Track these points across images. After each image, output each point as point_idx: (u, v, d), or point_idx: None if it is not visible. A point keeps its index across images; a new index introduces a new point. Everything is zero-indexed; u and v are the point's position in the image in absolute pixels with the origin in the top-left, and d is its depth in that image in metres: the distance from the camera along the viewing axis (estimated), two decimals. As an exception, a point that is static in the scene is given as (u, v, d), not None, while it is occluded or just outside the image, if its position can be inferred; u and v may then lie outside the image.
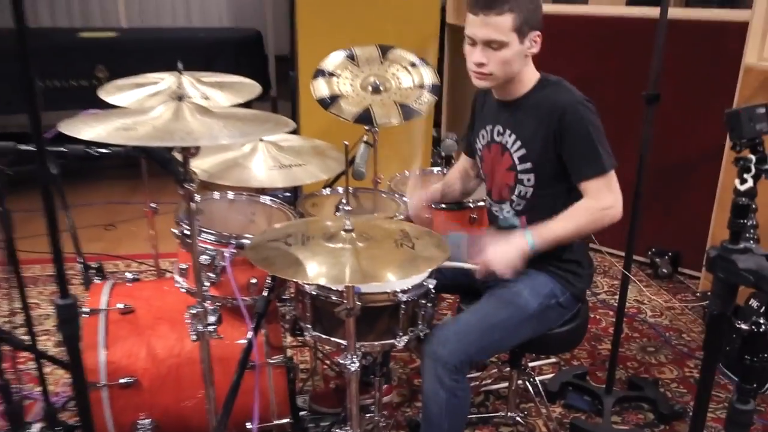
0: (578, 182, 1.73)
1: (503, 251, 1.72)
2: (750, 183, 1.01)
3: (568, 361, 2.67)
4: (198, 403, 1.96)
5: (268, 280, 1.83)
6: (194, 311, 1.61)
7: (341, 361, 1.58)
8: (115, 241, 3.83)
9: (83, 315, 1.98)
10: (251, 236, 1.85)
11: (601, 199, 1.70)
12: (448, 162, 2.99)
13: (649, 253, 3.36)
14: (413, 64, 2.70)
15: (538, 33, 1.75)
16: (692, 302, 3.14)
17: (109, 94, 2.08)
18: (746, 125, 1.02)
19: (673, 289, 3.27)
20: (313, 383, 2.50)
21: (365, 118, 2.43)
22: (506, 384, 2.43)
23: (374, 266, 1.38)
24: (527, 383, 2.16)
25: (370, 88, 2.58)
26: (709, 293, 2.80)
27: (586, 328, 1.95)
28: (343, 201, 1.73)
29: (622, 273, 2.32)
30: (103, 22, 5.49)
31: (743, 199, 1.00)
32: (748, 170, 1.01)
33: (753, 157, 1.01)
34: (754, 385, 1.07)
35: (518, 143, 1.81)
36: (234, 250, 1.80)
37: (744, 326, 0.99)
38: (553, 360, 2.66)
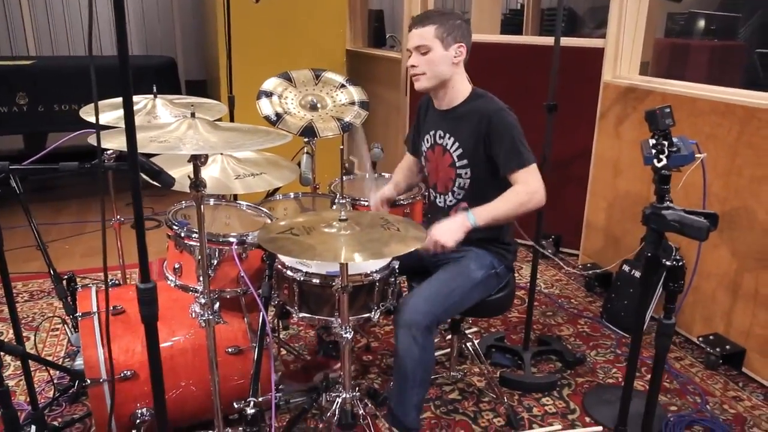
0: (507, 174, 1.98)
1: (448, 226, 1.92)
2: (665, 161, 1.28)
3: (486, 329, 2.94)
4: (190, 390, 2.01)
5: (267, 270, 1.92)
6: (202, 301, 1.70)
7: (337, 331, 1.71)
8: (53, 259, 3.68)
9: (78, 318, 1.98)
10: (238, 234, 1.95)
11: (528, 184, 1.95)
12: (374, 168, 3.19)
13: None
14: (343, 85, 2.88)
15: (462, 44, 2.01)
16: (574, 275, 3.54)
17: (88, 114, 2.08)
18: (660, 120, 1.29)
19: (557, 265, 3.66)
20: (275, 368, 2.59)
21: (309, 131, 2.58)
22: (442, 352, 2.68)
23: (376, 245, 1.54)
24: (466, 345, 2.39)
25: (309, 106, 2.74)
26: (589, 265, 3.17)
27: (514, 293, 2.21)
28: (338, 196, 1.85)
29: (533, 252, 2.62)
30: (13, 51, 5.18)
31: (664, 171, 1.27)
32: (663, 152, 1.28)
33: (665, 142, 1.29)
34: (674, 305, 1.34)
35: (456, 144, 2.05)
36: (236, 246, 1.89)
37: (668, 262, 1.25)
38: (475, 329, 2.92)
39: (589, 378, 2.55)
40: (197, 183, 1.58)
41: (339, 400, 1.74)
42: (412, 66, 2.01)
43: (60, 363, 2.46)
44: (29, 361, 2.04)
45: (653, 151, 1.29)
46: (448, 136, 2.08)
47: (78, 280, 2.53)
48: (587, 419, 2.29)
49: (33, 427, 1.94)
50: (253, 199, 2.58)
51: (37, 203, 4.60)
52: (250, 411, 1.55)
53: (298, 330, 2.91)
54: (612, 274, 3.18)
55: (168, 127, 1.53)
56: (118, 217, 2.52)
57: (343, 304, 1.69)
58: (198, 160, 1.56)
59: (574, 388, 2.48)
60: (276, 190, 2.84)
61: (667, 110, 1.29)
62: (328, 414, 1.81)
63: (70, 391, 2.31)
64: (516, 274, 3.46)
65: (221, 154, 2.20)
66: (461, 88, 2.06)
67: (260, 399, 2.07)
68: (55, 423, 2.16)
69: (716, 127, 2.60)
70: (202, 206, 1.61)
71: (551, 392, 2.44)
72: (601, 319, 3.02)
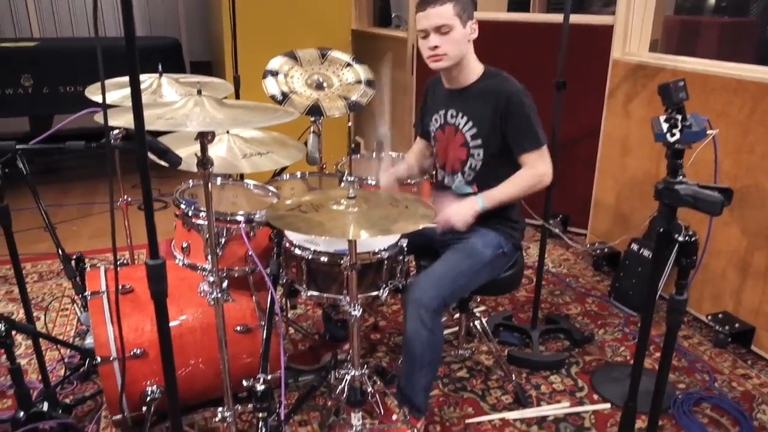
0: (518, 155, 1.97)
1: (459, 208, 1.94)
2: (677, 135, 1.26)
3: (494, 308, 2.94)
4: (199, 368, 2.02)
5: (275, 248, 1.92)
6: (211, 279, 1.69)
7: (345, 309, 1.71)
8: (61, 240, 3.70)
9: (87, 297, 1.99)
10: (246, 212, 1.95)
11: (537, 168, 1.95)
12: (380, 148, 3.17)
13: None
14: (349, 64, 2.85)
15: (475, 20, 1.98)
16: (582, 254, 3.53)
17: (93, 94, 2.06)
18: (674, 94, 1.27)
19: (565, 244, 3.64)
20: (283, 347, 2.59)
21: (315, 110, 2.55)
22: (450, 331, 2.68)
23: (385, 222, 1.53)
24: (474, 323, 2.38)
25: (315, 85, 2.71)
26: (597, 244, 3.16)
27: (522, 272, 2.20)
28: (347, 174, 1.83)
29: (542, 231, 2.61)
30: (17, 32, 5.15)
31: (677, 145, 1.25)
32: (676, 126, 1.26)
33: (678, 116, 1.27)
34: (686, 281, 1.32)
35: (470, 123, 2.02)
36: (244, 225, 1.88)
37: (681, 237, 1.24)
38: (483, 308, 2.92)
39: (597, 356, 2.55)
40: (204, 161, 1.57)
41: (348, 377, 1.74)
42: (434, 47, 1.94)
43: (71, 342, 2.48)
44: (40, 340, 2.07)
45: (665, 125, 1.27)
46: (461, 115, 2.05)
47: (86, 260, 2.53)
48: (595, 397, 2.29)
49: (45, 404, 1.95)
50: (260, 179, 2.58)
51: (43, 185, 4.60)
52: (260, 387, 1.55)
53: (306, 309, 2.92)
54: (620, 253, 3.17)
55: (174, 105, 1.52)
56: (126, 197, 2.51)
57: (351, 282, 1.69)
58: (205, 138, 1.54)
59: (582, 366, 2.48)
60: (283, 170, 2.84)
61: (681, 84, 1.27)
62: (337, 391, 1.82)
63: (81, 370, 2.33)
64: (524, 254, 3.49)
65: (227, 132, 2.19)
66: (474, 66, 2.03)
67: (269, 377, 2.09)
68: (67, 401, 2.18)
69: (727, 104, 2.56)
70: (209, 184, 1.60)
71: (559, 370, 2.44)
72: (609, 298, 3.01)
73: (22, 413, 1.91)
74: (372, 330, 2.76)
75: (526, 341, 2.63)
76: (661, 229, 1.24)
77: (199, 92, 1.56)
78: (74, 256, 2.40)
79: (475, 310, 2.86)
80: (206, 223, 1.81)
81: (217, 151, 2.11)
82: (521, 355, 2.49)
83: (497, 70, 2.04)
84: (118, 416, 1.99)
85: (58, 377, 2.32)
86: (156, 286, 1.16)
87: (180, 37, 5.45)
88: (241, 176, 2.37)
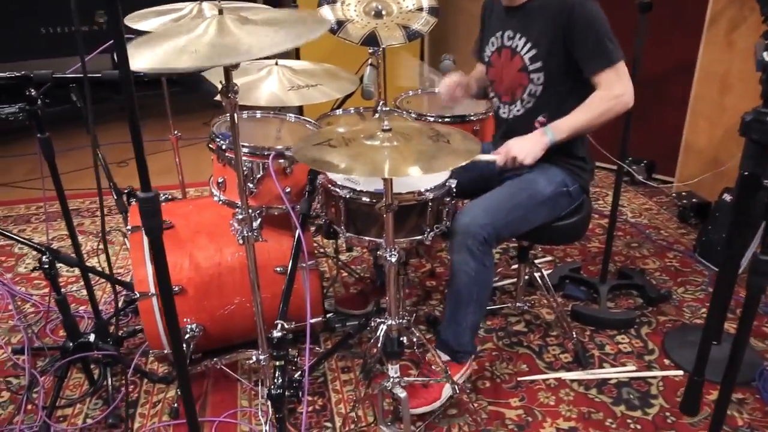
0: (590, 75, 1.71)
1: (524, 140, 1.74)
2: (779, 52, 1.00)
3: (561, 259, 2.71)
4: (238, 308, 1.97)
5: (308, 186, 1.80)
6: (240, 216, 1.59)
7: (381, 254, 1.57)
8: (129, 177, 3.75)
9: (128, 232, 1.96)
10: (277, 147, 1.83)
11: (613, 89, 1.69)
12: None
13: (627, 161, 3.37)
14: (411, -10, 2.62)
15: None
16: (666, 204, 3.19)
17: (134, 22, 1.97)
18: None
19: (649, 193, 3.31)
20: (334, 290, 2.51)
21: (371, 40, 2.36)
22: (510, 281, 2.50)
23: (423, 158, 1.35)
24: (534, 274, 2.19)
25: (373, 13, 2.51)
26: (684, 194, 2.83)
27: (590, 218, 1.96)
28: (381, 103, 1.66)
29: (616, 172, 2.34)
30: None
31: (776, 65, 1.00)
32: (778, 40, 1.00)
33: (783, 28, 1.01)
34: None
35: (528, 44, 1.78)
36: (272, 160, 1.77)
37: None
38: (549, 258, 2.70)
39: (673, 317, 2.29)
40: (228, 88, 1.44)
41: (384, 326, 1.62)
42: None
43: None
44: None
45: (765, 44, 1.00)
46: (518, 36, 1.81)
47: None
48: (666, 362, 2.05)
49: (92, 336, 1.97)
50: (314, 113, 2.45)
51: (113, 123, 4.71)
52: (276, 334, 1.45)
53: (362, 252, 2.81)
54: (710, 204, 2.83)
55: (194, 31, 1.36)
56: (176, 132, 2.46)
57: (388, 224, 1.53)
58: (230, 66, 1.41)
59: (654, 327, 2.23)
60: (341, 105, 2.69)
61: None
62: (372, 340, 1.70)
63: (136, 303, 2.34)
64: (601, 201, 3.21)
65: (276, 64, 2.06)
66: None
67: (312, 321, 2.01)
68: (118, 333, 2.20)
69: None
70: (235, 114, 1.48)
71: (628, 330, 2.22)
72: (694, 253, 2.70)
73: (71, 343, 1.94)
74: (428, 277, 2.62)
75: (593, 296, 2.40)
76: (746, 173, 1.00)
77: (221, 12, 1.41)
78: (126, 190, 2.38)
79: (539, 260, 2.67)
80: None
81: (268, 84, 2.00)
82: (586, 311, 2.28)
83: None
84: (160, 352, 1.98)
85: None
86: (149, 222, 1.05)
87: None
88: (300, 110, 2.23)
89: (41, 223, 3.20)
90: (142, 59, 1.26)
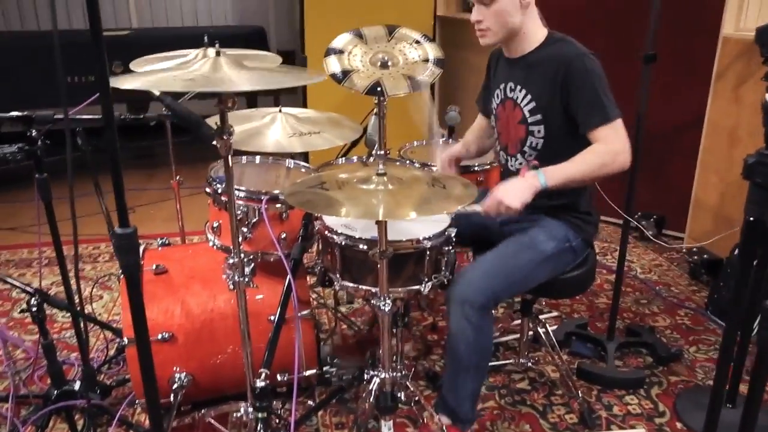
0: (586, 132, 1.67)
1: (514, 185, 1.65)
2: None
3: (568, 314, 2.62)
4: (230, 357, 1.90)
5: (301, 231, 1.76)
6: (231, 261, 1.54)
7: (374, 303, 1.51)
8: (135, 222, 3.75)
9: (121, 276, 1.92)
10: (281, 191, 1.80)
11: (611, 144, 1.64)
12: (451, 133, 2.94)
13: (636, 216, 3.32)
14: (418, 42, 2.64)
15: None
16: (677, 260, 3.11)
17: (139, 66, 1.99)
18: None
19: (659, 249, 3.24)
20: (332, 342, 2.43)
21: (376, 90, 2.37)
22: (513, 336, 2.41)
23: (410, 204, 1.32)
24: (538, 330, 2.10)
25: (378, 63, 2.52)
26: (695, 250, 2.76)
27: (594, 272, 1.90)
28: (376, 147, 1.63)
29: (623, 226, 2.27)
30: (116, 23, 5.39)
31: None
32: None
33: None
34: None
35: (528, 97, 1.76)
36: (266, 203, 1.73)
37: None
38: (555, 314, 2.62)
39: (685, 377, 2.19)
40: (223, 130, 1.42)
41: (377, 380, 1.54)
42: (477, 21, 1.74)
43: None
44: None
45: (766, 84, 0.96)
46: (519, 87, 1.79)
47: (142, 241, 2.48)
48: (679, 425, 1.94)
49: (78, 383, 1.90)
50: (321, 161, 2.43)
51: (133, 168, 4.76)
52: (259, 384, 1.38)
53: (362, 303, 2.74)
54: (722, 261, 2.74)
55: (191, 66, 1.38)
56: (177, 177, 2.45)
57: (381, 271, 1.48)
58: (224, 104, 1.40)
59: (665, 388, 2.13)
60: (346, 153, 2.68)
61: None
62: (364, 394, 1.62)
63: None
64: (609, 257, 3.14)
65: (280, 111, 2.07)
66: (535, 32, 1.76)
67: (306, 374, 1.93)
68: (107, 382, 2.13)
69: None
70: (230, 156, 1.46)
71: (637, 390, 2.11)
72: (706, 311, 2.60)
73: (55, 391, 1.87)
74: (430, 330, 2.54)
75: (601, 354, 2.30)
76: (752, 218, 0.95)
77: (218, 54, 1.41)
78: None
79: (546, 315, 2.59)
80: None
81: (273, 132, 2.00)
82: (593, 369, 2.18)
83: (562, 35, 1.76)
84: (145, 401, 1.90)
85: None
86: (125, 258, 1.01)
87: (268, 26, 5.48)
88: (306, 157, 2.22)
89: (44, 268, 3.17)
90: (135, 82, 1.31)
